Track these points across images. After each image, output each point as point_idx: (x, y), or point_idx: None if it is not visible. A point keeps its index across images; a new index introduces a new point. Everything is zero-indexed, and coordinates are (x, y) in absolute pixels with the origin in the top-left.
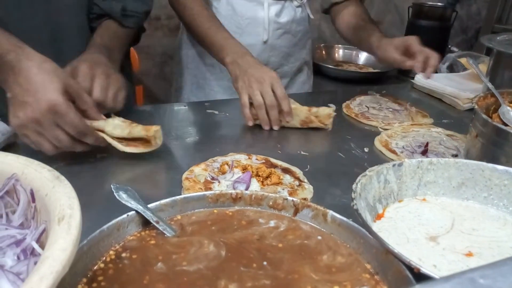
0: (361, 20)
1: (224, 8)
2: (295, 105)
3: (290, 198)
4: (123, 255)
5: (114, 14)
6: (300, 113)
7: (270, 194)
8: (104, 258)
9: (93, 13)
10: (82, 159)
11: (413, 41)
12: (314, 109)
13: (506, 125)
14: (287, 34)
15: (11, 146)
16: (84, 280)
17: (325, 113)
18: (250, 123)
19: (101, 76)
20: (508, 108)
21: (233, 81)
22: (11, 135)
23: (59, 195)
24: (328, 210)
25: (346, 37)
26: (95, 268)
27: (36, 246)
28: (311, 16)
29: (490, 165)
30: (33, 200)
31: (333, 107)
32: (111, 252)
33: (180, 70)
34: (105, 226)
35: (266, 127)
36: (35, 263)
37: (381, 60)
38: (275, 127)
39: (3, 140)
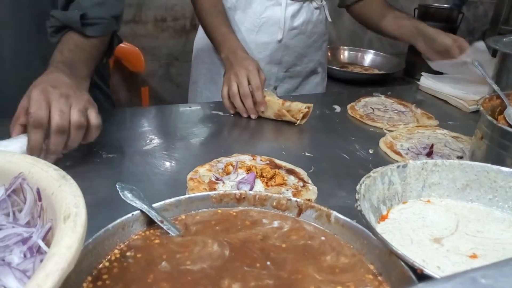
0: (389, 10)
1: (242, 5)
2: (271, 97)
3: (293, 199)
4: (128, 254)
5: (73, 24)
6: (274, 105)
7: (274, 195)
8: (109, 256)
9: (52, 26)
10: (88, 159)
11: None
12: (287, 103)
13: (511, 127)
14: (301, 35)
15: None
16: (89, 278)
17: (297, 108)
18: (232, 111)
19: (59, 99)
20: None
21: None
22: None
23: (65, 194)
24: (331, 211)
25: (379, 27)
26: (100, 266)
27: (42, 244)
28: (329, 19)
29: (495, 167)
30: (40, 199)
31: (309, 104)
32: (116, 251)
33: (197, 65)
34: (110, 225)
35: (244, 115)
36: (41, 260)
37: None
38: (252, 116)
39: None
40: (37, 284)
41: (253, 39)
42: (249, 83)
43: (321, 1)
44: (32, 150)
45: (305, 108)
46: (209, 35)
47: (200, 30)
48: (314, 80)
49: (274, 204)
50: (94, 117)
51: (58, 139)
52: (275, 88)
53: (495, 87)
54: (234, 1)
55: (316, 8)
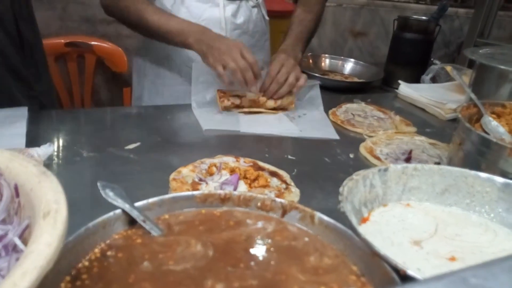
0: (297, 18)
1: (179, 12)
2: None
3: (278, 200)
4: (109, 253)
5: None
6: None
7: (258, 195)
8: (88, 256)
9: None
10: (68, 158)
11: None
12: (278, 102)
13: (488, 134)
14: (244, 35)
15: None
16: (68, 278)
17: (288, 101)
18: (229, 86)
19: None
20: (490, 118)
21: (202, 59)
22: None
23: (45, 190)
24: (315, 212)
25: None
26: (79, 266)
27: (18, 242)
28: (266, 17)
29: (473, 172)
30: (17, 195)
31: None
32: (96, 250)
33: (139, 78)
34: (90, 224)
35: (246, 89)
36: (17, 259)
37: None
38: (253, 89)
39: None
40: (13, 282)
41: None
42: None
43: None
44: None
45: (293, 98)
46: (159, 30)
47: (139, 44)
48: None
49: (259, 204)
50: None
51: None
52: None
53: (473, 96)
54: (169, 7)
55: (254, 7)
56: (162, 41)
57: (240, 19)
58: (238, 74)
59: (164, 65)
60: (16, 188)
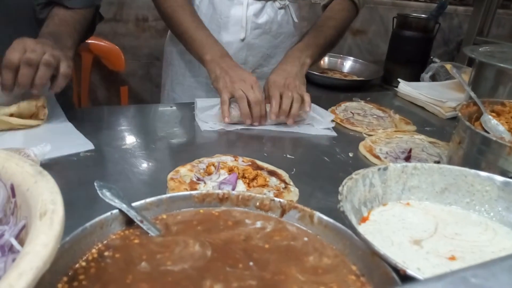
0: (317, 23)
1: (205, 7)
2: None
3: (277, 199)
4: (106, 253)
5: None
6: None
7: (257, 195)
8: (86, 256)
9: (38, 4)
10: (64, 157)
11: (272, 84)
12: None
13: (487, 133)
14: (266, 35)
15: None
16: (65, 278)
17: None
18: (226, 120)
19: (35, 45)
20: (490, 116)
21: (212, 80)
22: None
23: (41, 190)
24: (315, 212)
25: None
26: (76, 266)
27: (15, 242)
28: (295, 20)
29: (473, 171)
30: (13, 195)
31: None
32: (93, 251)
33: (166, 68)
34: (87, 224)
35: (248, 122)
36: (14, 260)
37: None
38: (256, 124)
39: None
40: (9, 283)
41: (217, 38)
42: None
43: (285, 1)
44: (4, 87)
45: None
46: (184, 34)
47: (169, 34)
48: None
49: (257, 204)
50: (65, 66)
51: (25, 71)
52: None
53: (472, 94)
54: (197, 2)
55: (280, 8)
56: (182, 43)
57: (262, 19)
58: (244, 104)
59: (186, 56)
60: (12, 188)
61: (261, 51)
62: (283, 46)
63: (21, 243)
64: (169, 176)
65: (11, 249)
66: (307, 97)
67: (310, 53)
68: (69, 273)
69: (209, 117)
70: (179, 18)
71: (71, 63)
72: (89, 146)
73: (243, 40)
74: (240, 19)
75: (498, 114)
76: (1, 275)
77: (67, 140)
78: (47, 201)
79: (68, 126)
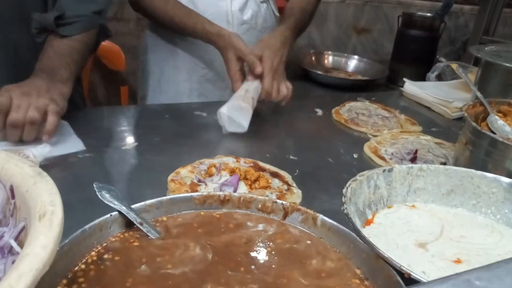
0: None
1: (186, 3)
2: None
3: (279, 201)
4: (105, 256)
5: (49, 26)
6: None
7: (259, 197)
8: (85, 259)
9: (35, 28)
10: (63, 158)
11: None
12: None
13: (494, 133)
14: (253, 30)
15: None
16: (64, 281)
17: None
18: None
19: (20, 97)
20: (496, 117)
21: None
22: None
23: (41, 192)
24: (318, 214)
25: None
26: (75, 269)
27: (14, 244)
28: (276, 14)
29: (479, 172)
30: (13, 197)
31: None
32: (92, 253)
33: (144, 77)
34: (87, 226)
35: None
36: (13, 262)
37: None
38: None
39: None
40: (9, 285)
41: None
42: None
43: None
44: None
45: None
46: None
47: (144, 42)
48: None
49: (259, 206)
50: (51, 116)
51: (12, 132)
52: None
53: (479, 94)
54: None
55: (262, 2)
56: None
57: (247, 15)
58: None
59: (168, 62)
60: (11, 190)
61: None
62: None
63: (21, 244)
64: (170, 177)
65: (11, 250)
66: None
67: (292, 35)
68: (69, 276)
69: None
70: (177, 13)
71: (63, 102)
72: (80, 146)
73: None
74: (225, 15)
75: (504, 115)
76: (0, 276)
77: (58, 140)
78: (46, 203)
79: (64, 124)
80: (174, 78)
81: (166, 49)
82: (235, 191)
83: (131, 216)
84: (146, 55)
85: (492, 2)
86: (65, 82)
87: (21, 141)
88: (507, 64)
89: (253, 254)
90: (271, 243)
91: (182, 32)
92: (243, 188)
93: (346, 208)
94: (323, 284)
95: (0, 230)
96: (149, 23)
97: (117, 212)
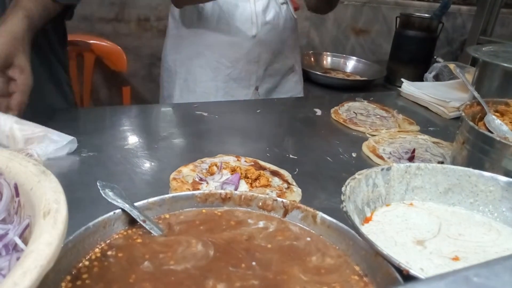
0: None
1: (210, 8)
2: None
3: (279, 199)
4: (109, 253)
5: None
6: None
7: (260, 195)
8: (89, 255)
9: None
10: (67, 157)
11: None
12: None
13: (491, 133)
14: (275, 30)
15: None
16: (68, 277)
17: None
18: None
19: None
20: (494, 116)
21: None
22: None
23: (45, 190)
24: (317, 212)
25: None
26: (79, 265)
27: (19, 241)
28: (294, 15)
29: (477, 171)
30: (17, 195)
31: None
32: (96, 250)
33: (170, 77)
34: (90, 223)
35: None
36: (18, 258)
37: None
38: None
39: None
40: (13, 282)
41: (228, 39)
42: None
43: None
44: None
45: None
46: None
47: (169, 42)
48: (293, 78)
49: (260, 204)
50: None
51: None
52: (257, 88)
53: (476, 94)
54: (201, 5)
55: (283, 3)
56: None
57: (269, 15)
58: None
59: (195, 62)
60: (16, 188)
61: (272, 47)
62: (289, 42)
63: (25, 242)
64: (172, 176)
65: (15, 248)
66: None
67: None
68: (73, 272)
69: None
70: None
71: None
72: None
73: (254, 36)
74: (250, 16)
75: (502, 114)
76: (5, 273)
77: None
78: (50, 200)
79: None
80: (200, 78)
81: (191, 49)
82: (236, 189)
83: (134, 213)
84: (171, 55)
85: (490, 3)
86: (35, 31)
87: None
88: (505, 64)
89: (254, 251)
90: (271, 240)
91: None
92: (244, 187)
93: (345, 206)
94: (323, 281)
95: (4, 227)
96: (173, 23)
97: (120, 210)
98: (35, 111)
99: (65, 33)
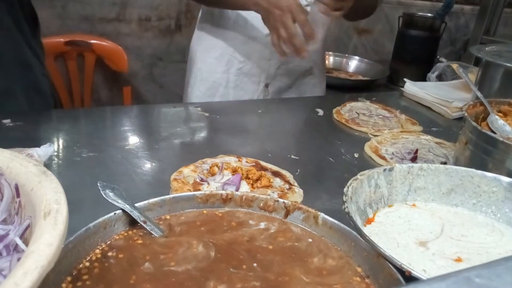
0: None
1: (243, 21)
2: None
3: (281, 200)
4: (109, 254)
5: None
6: None
7: (261, 196)
8: (89, 256)
9: None
10: (67, 158)
11: None
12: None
13: (494, 133)
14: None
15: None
16: (69, 278)
17: None
18: (283, 57)
19: None
20: (497, 117)
21: (262, 20)
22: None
23: (46, 190)
24: (319, 213)
25: None
26: (80, 266)
27: (19, 242)
28: (308, 10)
29: (479, 172)
30: (18, 195)
31: None
32: (97, 251)
33: (190, 65)
34: (91, 224)
35: (297, 57)
36: (18, 259)
37: None
38: (304, 55)
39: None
40: (14, 282)
41: (242, 35)
42: (294, 22)
43: None
44: None
45: None
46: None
47: (195, 34)
48: (311, 81)
49: (261, 205)
50: None
51: None
52: (267, 85)
53: (479, 94)
54: (231, 21)
55: (306, 6)
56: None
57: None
58: (287, 44)
59: (211, 53)
60: (16, 188)
61: None
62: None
63: (26, 242)
64: (172, 176)
65: (16, 248)
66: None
67: None
68: (73, 273)
69: None
70: None
71: None
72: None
73: (267, 35)
74: None
75: (505, 114)
76: (6, 274)
77: None
78: (51, 201)
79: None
80: (214, 69)
81: (209, 42)
82: (237, 190)
83: (135, 214)
84: (194, 45)
85: (493, 2)
86: None
87: None
88: (508, 64)
89: (255, 252)
90: (273, 241)
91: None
92: (245, 187)
93: (347, 207)
94: (325, 282)
95: (5, 228)
96: (200, 17)
97: (121, 211)
98: None
99: (36, 17)
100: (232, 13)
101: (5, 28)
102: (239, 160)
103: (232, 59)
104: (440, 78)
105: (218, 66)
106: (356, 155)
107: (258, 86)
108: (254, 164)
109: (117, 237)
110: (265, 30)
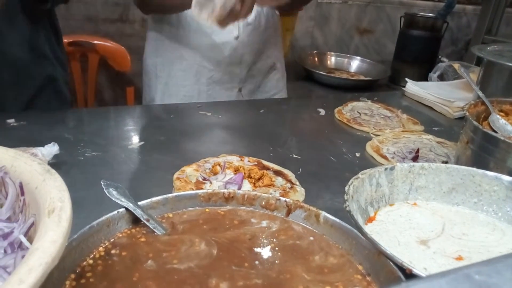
0: None
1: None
2: None
3: (282, 199)
4: (113, 251)
5: None
6: None
7: (263, 194)
8: (93, 254)
9: None
10: (72, 157)
11: None
12: None
13: (496, 132)
14: (257, 30)
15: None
16: (72, 276)
17: None
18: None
19: None
20: (498, 116)
21: None
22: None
23: (50, 188)
24: (320, 211)
25: None
26: (83, 264)
27: (24, 239)
28: (277, 12)
29: (481, 171)
30: (22, 193)
31: None
32: (100, 249)
33: (150, 80)
34: (95, 222)
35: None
36: (23, 256)
37: None
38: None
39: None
40: (19, 279)
41: (209, 41)
42: None
43: None
44: None
45: None
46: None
47: (149, 45)
48: (275, 76)
49: (263, 203)
50: None
51: None
52: (240, 89)
53: (480, 93)
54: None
55: None
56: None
57: (251, 16)
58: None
59: (176, 65)
60: (21, 186)
61: (254, 47)
62: (272, 41)
63: (30, 240)
64: (175, 175)
65: (20, 246)
66: None
67: None
68: (77, 271)
69: None
70: None
71: None
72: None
73: (236, 38)
74: None
75: (506, 114)
76: (11, 271)
77: None
78: (55, 199)
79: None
80: (182, 82)
81: (172, 53)
82: (239, 189)
83: (138, 212)
84: (152, 58)
85: (495, 2)
86: None
87: None
88: (510, 64)
89: (257, 250)
90: (274, 240)
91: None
92: (247, 186)
93: (348, 205)
94: (326, 280)
95: (10, 225)
96: (153, 25)
97: (124, 209)
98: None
99: (58, 29)
100: (193, 20)
101: (41, 52)
102: (241, 159)
103: (201, 68)
104: (441, 78)
105: (187, 79)
106: (357, 155)
107: (231, 92)
108: (256, 163)
109: (120, 235)
110: (232, 33)
